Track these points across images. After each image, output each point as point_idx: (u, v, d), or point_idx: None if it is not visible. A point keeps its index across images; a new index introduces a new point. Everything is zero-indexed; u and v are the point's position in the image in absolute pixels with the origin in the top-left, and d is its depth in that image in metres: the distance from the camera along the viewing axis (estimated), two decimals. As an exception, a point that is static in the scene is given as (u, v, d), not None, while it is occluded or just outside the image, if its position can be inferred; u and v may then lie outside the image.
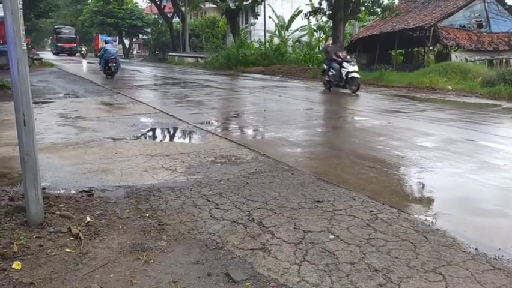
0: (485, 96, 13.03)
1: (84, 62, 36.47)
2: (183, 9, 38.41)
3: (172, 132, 7.51)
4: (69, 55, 49.39)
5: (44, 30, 57.73)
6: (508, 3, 23.47)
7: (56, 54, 50.22)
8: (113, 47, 18.87)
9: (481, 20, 22.67)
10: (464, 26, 22.07)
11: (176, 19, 42.67)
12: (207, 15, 48.48)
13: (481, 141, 6.83)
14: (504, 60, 21.97)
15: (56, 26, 53.49)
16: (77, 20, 56.26)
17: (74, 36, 52.45)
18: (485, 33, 22.29)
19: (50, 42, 65.24)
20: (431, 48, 23.07)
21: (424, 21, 21.82)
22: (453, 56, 21.02)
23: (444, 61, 19.76)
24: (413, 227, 3.39)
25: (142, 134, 7.05)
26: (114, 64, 17.37)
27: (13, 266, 2.68)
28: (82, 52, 46.51)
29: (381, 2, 22.30)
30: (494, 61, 21.70)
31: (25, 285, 2.51)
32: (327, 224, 3.40)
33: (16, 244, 2.91)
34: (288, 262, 2.81)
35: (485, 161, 5.63)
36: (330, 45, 15.32)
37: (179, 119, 8.30)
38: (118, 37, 54.22)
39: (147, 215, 3.59)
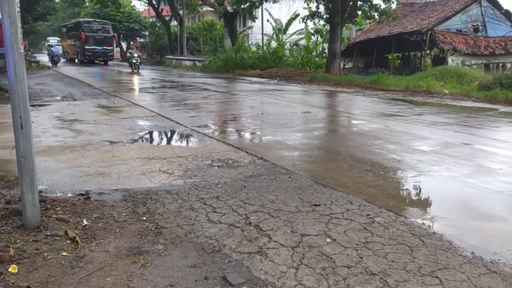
0: (481, 100, 13.07)
1: (136, 79, 21.30)
2: (181, 12, 38.43)
3: (169, 135, 7.50)
4: (104, 63, 35.31)
5: (42, 33, 57.75)
6: (505, 8, 23.60)
7: (84, 61, 34.90)
8: (57, 49, 34.44)
9: (477, 24, 22.79)
10: (460, 30, 22.18)
11: (174, 22, 42.71)
12: (204, 18, 48.54)
13: (478, 145, 6.86)
14: (500, 64, 22.08)
15: (84, 20, 37.59)
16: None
17: (110, 34, 36.15)
18: (481, 38, 22.40)
19: (46, 46, 62.58)
20: (427, 52, 23.17)
21: (421, 25, 21.93)
22: (450, 60, 21.11)
23: (441, 65, 19.86)
24: (409, 230, 3.39)
25: (140, 137, 7.04)
26: (56, 58, 31.42)
27: (9, 269, 2.67)
28: (134, 61, 24.66)
29: (378, 6, 22.40)
30: (491, 65, 21.81)
31: (21, 289, 2.50)
32: (324, 228, 3.40)
33: (12, 247, 2.90)
34: (285, 266, 2.82)
35: (481, 165, 5.65)
36: None
37: (177, 122, 8.29)
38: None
39: (144, 218, 3.58)
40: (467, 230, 3.59)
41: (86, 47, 34.47)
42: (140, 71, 24.80)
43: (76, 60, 37.64)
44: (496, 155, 6.25)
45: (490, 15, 23.06)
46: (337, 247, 3.07)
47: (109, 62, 36.32)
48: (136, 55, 25.39)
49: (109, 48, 35.72)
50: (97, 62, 35.46)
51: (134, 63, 24.61)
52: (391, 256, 2.95)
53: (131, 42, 52.70)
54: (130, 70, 25.02)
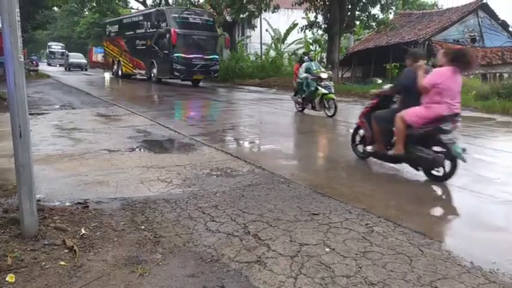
0: (479, 110, 13.12)
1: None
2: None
3: (168, 144, 7.50)
4: (192, 83, 22.77)
5: (41, 42, 57.80)
6: (501, 18, 23.79)
7: (162, 80, 22.91)
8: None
9: (474, 35, 22.95)
10: (458, 41, 22.33)
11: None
12: (203, 27, 48.67)
13: (476, 154, 6.86)
14: (497, 75, 22.19)
15: (172, 8, 25.48)
16: (73, 32, 56.41)
17: (214, 33, 23.38)
18: (478, 48, 22.53)
19: (46, 53, 61.19)
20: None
21: (418, 36, 22.08)
22: (447, 69, 21.17)
23: (439, 75, 19.91)
24: (408, 240, 3.39)
25: (138, 146, 7.04)
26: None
27: (7, 278, 2.66)
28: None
29: (376, 16, 22.56)
30: (488, 75, 21.92)
31: (19, 299, 2.49)
32: (323, 237, 3.39)
33: (10, 256, 2.89)
34: (284, 275, 2.81)
35: (479, 175, 5.66)
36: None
37: (176, 131, 8.30)
38: None
39: (142, 227, 3.57)
40: (466, 239, 3.59)
41: (177, 55, 20.60)
42: (137, 80, 25.06)
43: (137, 76, 25.42)
44: (494, 164, 6.26)
45: (487, 26, 23.24)
46: (336, 256, 3.06)
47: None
48: None
49: (211, 57, 21.87)
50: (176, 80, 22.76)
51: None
52: (390, 266, 2.94)
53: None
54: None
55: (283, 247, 3.21)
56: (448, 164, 5.04)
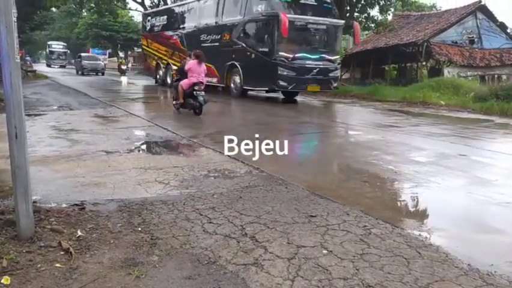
0: (477, 112, 13.15)
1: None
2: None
3: (165, 145, 7.48)
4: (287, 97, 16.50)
5: (39, 43, 57.57)
6: (500, 20, 23.85)
7: (244, 90, 16.19)
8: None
9: (472, 36, 23.01)
10: (456, 42, 22.38)
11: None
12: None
13: (474, 156, 6.87)
14: (496, 76, 22.26)
15: None
16: (72, 33, 56.32)
17: (336, 22, 15.57)
18: (477, 49, 22.60)
19: (44, 54, 59.76)
20: (424, 63, 23.34)
21: (417, 37, 22.12)
22: (445, 71, 21.28)
23: (437, 76, 19.99)
24: (406, 242, 3.38)
25: (136, 147, 7.02)
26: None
27: (2, 281, 2.64)
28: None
29: (375, 17, 22.60)
30: (486, 77, 21.99)
31: (13, 301, 2.47)
32: (321, 239, 3.38)
33: (5, 258, 2.87)
34: (281, 277, 2.79)
35: (477, 176, 5.66)
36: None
37: (174, 132, 8.28)
38: (110, 50, 53.88)
39: (139, 229, 3.55)
40: (463, 241, 3.58)
41: (285, 54, 14.23)
42: (135, 81, 24.91)
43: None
44: (492, 166, 6.26)
45: (485, 28, 23.30)
46: (333, 259, 3.05)
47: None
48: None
49: (331, 58, 15.21)
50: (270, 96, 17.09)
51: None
52: (388, 268, 2.93)
53: (129, 52, 52.69)
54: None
55: (281, 249, 3.20)
56: (199, 106, 10.43)
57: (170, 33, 20.82)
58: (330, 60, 15.02)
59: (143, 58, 23.93)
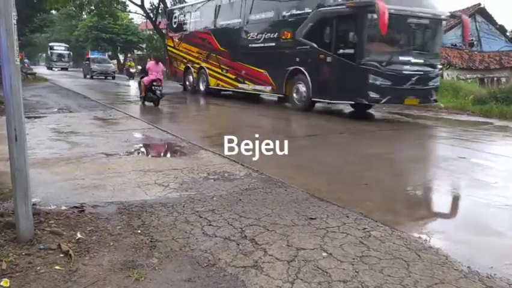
0: (476, 114, 13.16)
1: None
2: (178, 25, 38.53)
3: (165, 147, 7.49)
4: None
5: (39, 45, 57.52)
6: (499, 23, 23.90)
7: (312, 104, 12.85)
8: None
9: (472, 39, 23.01)
10: (455, 45, 22.41)
11: (172, 35, 42.81)
12: (202, 31, 48.66)
13: (473, 158, 6.88)
14: (495, 79, 22.28)
15: None
16: (71, 35, 56.31)
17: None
18: (476, 52, 22.64)
19: (47, 55, 58.73)
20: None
21: (417, 39, 22.11)
22: (445, 74, 21.29)
23: (437, 79, 19.99)
24: (405, 244, 3.38)
25: (135, 150, 7.03)
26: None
27: (1, 283, 2.64)
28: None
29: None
30: (485, 79, 22.01)
31: (13, 304, 2.47)
32: (320, 242, 3.38)
33: (5, 261, 2.87)
34: (281, 280, 2.79)
35: (477, 179, 5.66)
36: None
37: (173, 135, 8.28)
38: (110, 53, 53.62)
39: (139, 231, 3.55)
40: (463, 244, 3.58)
41: (378, 58, 10.87)
42: (136, 84, 24.87)
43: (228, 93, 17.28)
44: (491, 168, 6.26)
45: (484, 30, 23.36)
46: (333, 261, 3.05)
47: None
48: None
49: (431, 63, 11.81)
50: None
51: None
52: (387, 270, 2.93)
53: (129, 55, 52.69)
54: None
55: (280, 252, 3.19)
56: (156, 98, 13.03)
57: (204, 32, 17.38)
58: (431, 65, 11.61)
59: (168, 61, 20.36)
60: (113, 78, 32.65)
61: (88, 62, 34.67)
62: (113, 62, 41.09)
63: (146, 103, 13.40)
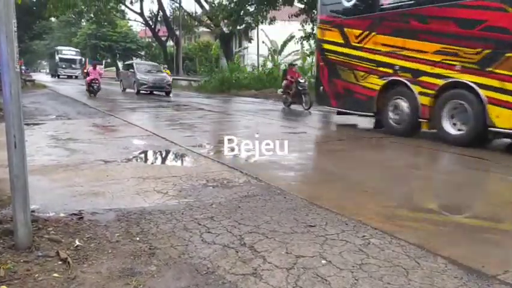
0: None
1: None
2: (177, 33, 38.84)
3: (164, 154, 7.49)
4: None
5: (38, 52, 57.69)
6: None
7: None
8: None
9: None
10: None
11: (170, 42, 43.09)
12: (201, 39, 49.05)
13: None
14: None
15: None
16: (70, 43, 56.54)
17: None
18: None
19: (44, 63, 58.03)
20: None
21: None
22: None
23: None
24: (405, 252, 3.37)
25: (134, 157, 7.02)
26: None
27: (-1, 291, 2.63)
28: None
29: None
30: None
31: (11, 311, 2.45)
32: (319, 249, 3.37)
33: (3, 268, 2.86)
34: (280, 288, 2.78)
35: (474, 187, 5.66)
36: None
37: (172, 142, 8.28)
38: (109, 60, 53.62)
39: (137, 238, 3.54)
40: (462, 251, 3.57)
41: None
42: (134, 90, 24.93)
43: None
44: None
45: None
46: (332, 269, 3.04)
47: None
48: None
49: None
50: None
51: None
52: (387, 278, 2.92)
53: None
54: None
55: (279, 259, 3.19)
56: (94, 91, 20.05)
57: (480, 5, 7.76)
58: None
59: (320, 71, 11.92)
60: (168, 94, 22.96)
61: (128, 69, 25.06)
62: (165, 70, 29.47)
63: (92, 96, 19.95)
